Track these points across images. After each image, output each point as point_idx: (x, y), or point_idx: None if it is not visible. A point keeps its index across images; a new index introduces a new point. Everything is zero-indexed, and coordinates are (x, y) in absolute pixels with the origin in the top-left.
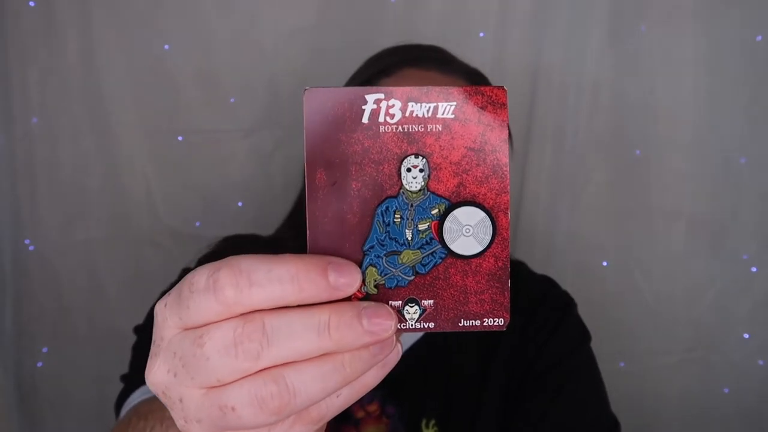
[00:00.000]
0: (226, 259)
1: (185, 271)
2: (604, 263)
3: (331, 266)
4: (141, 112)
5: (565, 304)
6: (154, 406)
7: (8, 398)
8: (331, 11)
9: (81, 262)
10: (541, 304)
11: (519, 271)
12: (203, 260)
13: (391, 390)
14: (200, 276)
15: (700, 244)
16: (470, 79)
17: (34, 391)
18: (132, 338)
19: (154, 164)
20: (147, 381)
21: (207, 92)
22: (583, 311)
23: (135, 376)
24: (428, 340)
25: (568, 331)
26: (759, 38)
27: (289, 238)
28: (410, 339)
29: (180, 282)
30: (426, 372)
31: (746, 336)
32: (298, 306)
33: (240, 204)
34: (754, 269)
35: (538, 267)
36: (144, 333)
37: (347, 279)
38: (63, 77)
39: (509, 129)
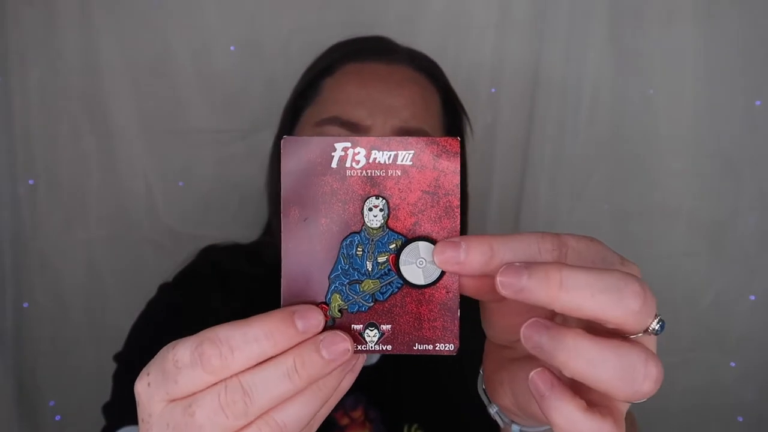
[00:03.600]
0: (203, 332)
1: (162, 288)
2: None
3: (296, 315)
4: (141, 112)
5: None
6: None
7: (8, 398)
8: (331, 11)
9: (81, 262)
10: None
11: None
12: (180, 276)
13: (375, 395)
14: (183, 351)
15: (700, 244)
16: (415, 63)
17: (34, 391)
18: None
19: (154, 164)
20: None
21: (207, 92)
22: None
23: (117, 411)
24: None
25: None
26: (759, 38)
27: (267, 245)
28: None
29: (159, 359)
30: (409, 376)
31: (746, 336)
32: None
33: (240, 204)
34: (754, 269)
35: None
36: (124, 362)
37: (313, 321)
38: (63, 77)
39: (463, 151)
